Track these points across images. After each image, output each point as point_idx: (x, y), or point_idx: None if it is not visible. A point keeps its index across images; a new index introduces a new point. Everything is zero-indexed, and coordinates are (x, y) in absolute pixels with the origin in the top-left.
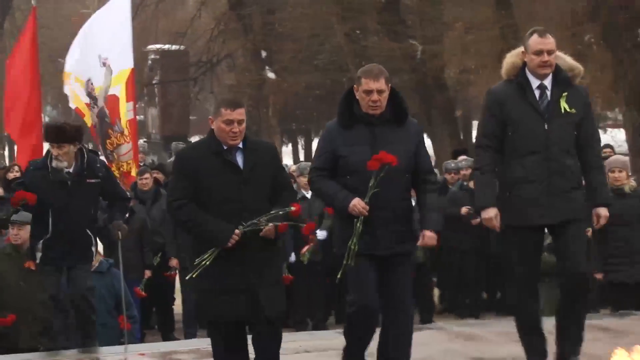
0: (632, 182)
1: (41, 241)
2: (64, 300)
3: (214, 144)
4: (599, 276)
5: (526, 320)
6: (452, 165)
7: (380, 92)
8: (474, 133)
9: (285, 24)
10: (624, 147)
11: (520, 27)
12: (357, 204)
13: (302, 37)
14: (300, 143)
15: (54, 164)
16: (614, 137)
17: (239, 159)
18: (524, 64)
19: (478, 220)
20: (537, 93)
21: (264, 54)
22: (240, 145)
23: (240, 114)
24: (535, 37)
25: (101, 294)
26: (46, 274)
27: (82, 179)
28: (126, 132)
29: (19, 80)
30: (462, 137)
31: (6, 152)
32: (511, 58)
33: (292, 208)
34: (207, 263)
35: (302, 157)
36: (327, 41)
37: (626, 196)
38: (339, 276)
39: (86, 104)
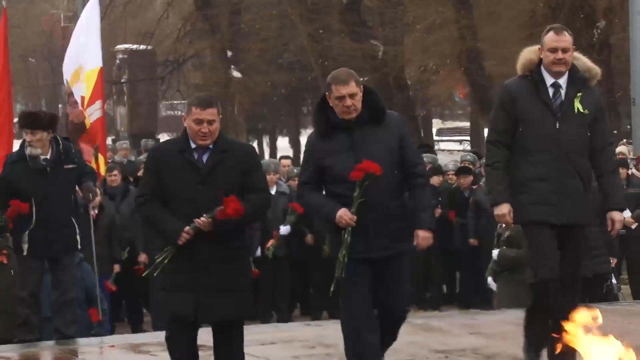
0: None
1: (26, 233)
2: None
3: (183, 142)
4: None
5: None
6: None
7: (352, 95)
8: (434, 131)
9: (251, 24)
10: None
11: (480, 28)
12: (344, 214)
13: (267, 37)
14: (266, 141)
15: (28, 150)
16: None
17: (204, 159)
18: (540, 60)
19: (439, 212)
20: (550, 91)
21: (229, 53)
22: (211, 146)
23: (210, 113)
24: (551, 34)
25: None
26: (27, 272)
27: (60, 165)
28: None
29: None
30: (422, 135)
31: None
32: (528, 54)
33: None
34: (166, 261)
35: (267, 155)
36: (291, 41)
37: None
38: (332, 288)
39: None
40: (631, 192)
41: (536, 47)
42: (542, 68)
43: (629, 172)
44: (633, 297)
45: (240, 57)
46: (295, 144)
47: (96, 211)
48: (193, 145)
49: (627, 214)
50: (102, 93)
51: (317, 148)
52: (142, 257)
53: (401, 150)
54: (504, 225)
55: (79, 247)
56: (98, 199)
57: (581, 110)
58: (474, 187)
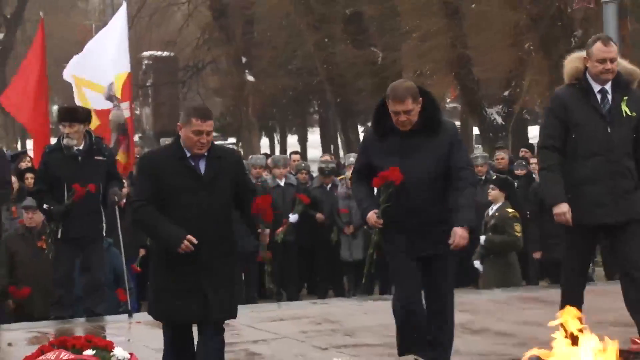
0: None
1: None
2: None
3: (179, 150)
4: (537, 255)
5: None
6: None
7: (407, 112)
8: None
9: (263, 33)
10: None
11: (469, 37)
12: (371, 217)
13: (277, 45)
14: (276, 137)
15: (65, 141)
16: None
17: (202, 166)
18: (586, 68)
19: None
20: (599, 97)
21: (244, 59)
22: (205, 153)
23: (209, 125)
24: (599, 45)
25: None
26: (61, 255)
27: (91, 156)
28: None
29: (32, 82)
30: None
31: (19, 144)
32: (573, 63)
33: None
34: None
35: (277, 151)
36: (299, 48)
37: None
38: (363, 280)
39: (98, 109)
40: None
41: (582, 55)
42: (588, 75)
43: None
44: (606, 278)
45: (253, 62)
46: (302, 140)
47: (124, 201)
48: (188, 154)
49: None
50: (130, 95)
51: (370, 145)
52: None
53: (449, 156)
54: (489, 213)
55: (104, 234)
56: (125, 190)
57: (629, 113)
58: None
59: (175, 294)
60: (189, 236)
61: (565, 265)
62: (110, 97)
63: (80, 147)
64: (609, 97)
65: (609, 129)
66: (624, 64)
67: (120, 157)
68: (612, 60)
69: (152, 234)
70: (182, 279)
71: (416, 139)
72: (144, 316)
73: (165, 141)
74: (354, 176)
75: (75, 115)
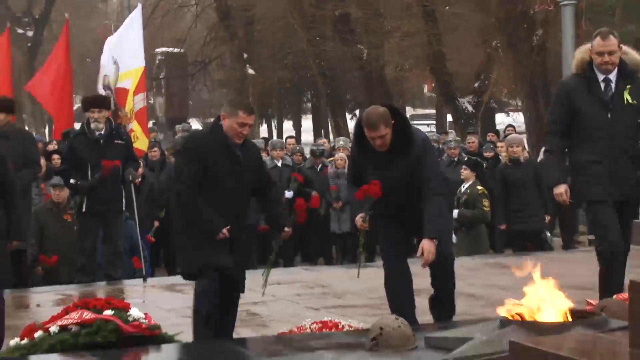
0: (526, 154)
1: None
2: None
3: (224, 137)
4: (503, 227)
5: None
6: None
7: (381, 137)
8: (408, 116)
9: (262, 32)
10: (523, 127)
11: (443, 36)
12: (358, 219)
13: (275, 43)
14: (274, 124)
15: (93, 125)
16: (515, 120)
17: (239, 153)
18: (591, 59)
19: None
20: (602, 85)
21: (245, 55)
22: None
23: (252, 119)
24: (598, 39)
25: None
26: (86, 226)
27: (111, 140)
28: (129, 115)
29: (58, 75)
30: None
31: (46, 130)
32: (580, 54)
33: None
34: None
35: (275, 136)
36: (294, 46)
37: (522, 165)
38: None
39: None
40: None
41: (588, 47)
42: (594, 66)
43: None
44: (563, 248)
45: (254, 58)
46: (297, 126)
47: (139, 180)
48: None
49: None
50: (145, 87)
51: (355, 157)
52: None
53: (418, 168)
54: (461, 190)
55: (124, 209)
56: (140, 170)
57: (630, 101)
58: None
59: (213, 246)
60: (225, 230)
61: (597, 237)
62: (104, 87)
63: (102, 132)
64: (612, 85)
65: (609, 115)
66: (633, 55)
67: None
68: (611, 53)
69: (196, 218)
70: (217, 243)
71: (392, 155)
72: (157, 281)
73: (178, 127)
74: (348, 179)
75: (104, 102)
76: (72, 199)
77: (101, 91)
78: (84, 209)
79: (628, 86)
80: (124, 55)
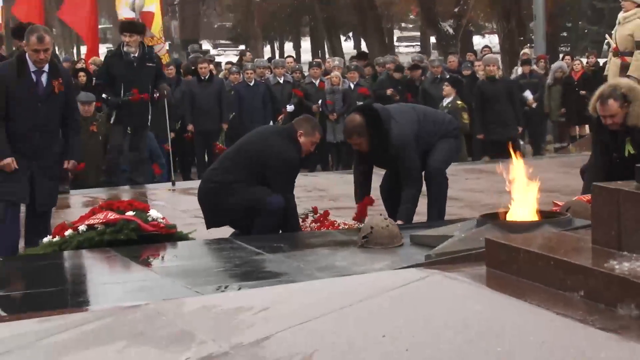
0: (500, 72)
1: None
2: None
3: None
4: (480, 136)
5: None
6: (381, 60)
7: (357, 144)
8: (395, 38)
9: None
10: (497, 48)
11: None
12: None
13: None
14: (276, 45)
15: (125, 48)
16: (490, 41)
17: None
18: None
19: (397, 97)
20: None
21: None
22: None
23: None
24: (598, 104)
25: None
26: (116, 131)
27: (143, 62)
28: (157, 36)
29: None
30: (387, 41)
31: (75, 50)
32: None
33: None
34: None
35: (277, 55)
36: None
37: (496, 82)
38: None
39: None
40: (532, 81)
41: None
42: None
43: (531, 67)
44: (533, 154)
45: None
46: (297, 47)
47: (157, 95)
48: None
49: (530, 96)
50: (163, 11)
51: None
52: (190, 127)
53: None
54: (443, 104)
55: (149, 123)
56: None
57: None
58: (422, 78)
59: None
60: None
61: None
62: (133, 8)
63: (136, 55)
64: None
65: None
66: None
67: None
68: (612, 116)
69: (295, 222)
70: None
71: (373, 153)
72: (176, 185)
73: (194, 46)
74: (355, 159)
75: (135, 27)
76: (103, 111)
77: (126, 14)
78: (112, 121)
79: (628, 138)
80: None
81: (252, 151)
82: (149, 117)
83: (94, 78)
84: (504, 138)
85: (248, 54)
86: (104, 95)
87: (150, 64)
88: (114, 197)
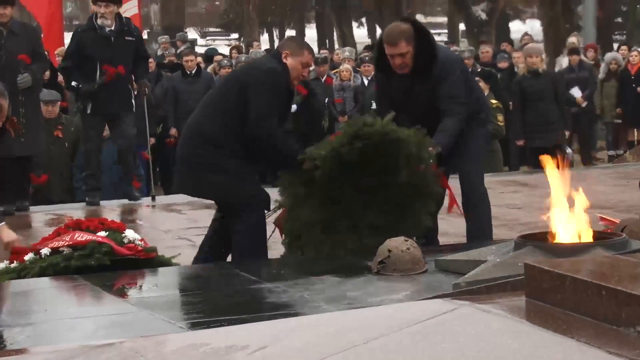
0: (544, 65)
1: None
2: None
3: (288, 77)
4: (520, 143)
5: None
6: None
7: (401, 55)
8: None
9: None
10: (540, 36)
11: None
12: None
13: None
14: (275, 33)
15: (100, 21)
16: (532, 28)
17: None
18: None
19: None
20: None
21: None
22: None
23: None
24: None
25: (115, 159)
26: (90, 128)
27: (122, 36)
28: None
29: None
30: None
31: None
32: None
33: None
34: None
35: (276, 43)
36: None
37: (540, 76)
38: None
39: None
40: (581, 75)
41: None
42: None
43: (580, 58)
44: (582, 163)
45: None
46: (300, 36)
47: (135, 91)
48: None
49: (578, 93)
50: None
51: (379, 79)
52: (173, 131)
53: (438, 89)
54: None
55: (134, 109)
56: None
57: None
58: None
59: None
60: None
61: None
62: None
63: (112, 28)
64: None
65: None
66: None
67: None
68: None
69: (285, 161)
70: None
71: (412, 79)
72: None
73: (185, 35)
74: (376, 98)
75: None
76: (75, 103)
77: None
78: (88, 111)
79: None
80: None
81: (233, 83)
82: (132, 102)
83: (61, 65)
84: (548, 144)
85: (255, 44)
86: (73, 83)
87: (130, 38)
88: (83, 214)
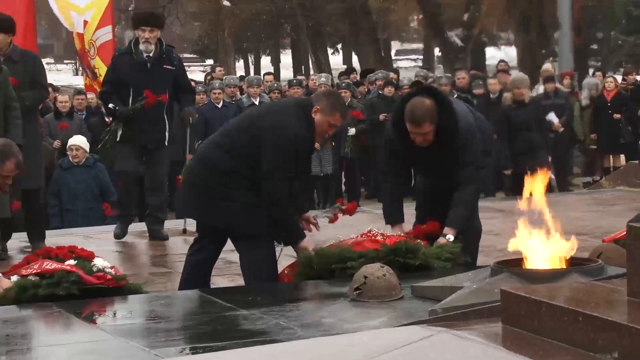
0: (530, 94)
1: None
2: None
3: (313, 135)
4: (508, 172)
5: None
6: (373, 77)
7: (424, 134)
8: (393, 52)
9: None
10: (514, 62)
11: None
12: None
13: None
14: (251, 59)
15: (143, 46)
16: (507, 54)
17: None
18: None
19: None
20: None
21: None
22: None
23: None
24: None
25: (88, 184)
26: (124, 154)
27: (160, 63)
28: (86, 47)
29: (19, 5)
30: (383, 55)
31: None
32: None
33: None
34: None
35: (252, 72)
36: None
37: (526, 106)
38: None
39: (77, 33)
40: (557, 102)
41: None
42: None
43: (556, 85)
44: (559, 189)
45: None
46: (275, 62)
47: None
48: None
49: (555, 119)
50: (112, 19)
51: (394, 143)
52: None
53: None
54: None
55: (166, 143)
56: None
57: None
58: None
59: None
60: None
61: None
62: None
63: (151, 54)
64: None
65: None
66: None
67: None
68: None
69: (284, 222)
70: None
71: (433, 149)
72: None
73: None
74: (382, 168)
75: (157, 20)
76: (107, 128)
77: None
78: (118, 138)
79: None
80: None
81: (255, 125)
82: (166, 134)
83: (100, 91)
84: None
85: (218, 69)
86: (110, 105)
87: (169, 67)
88: (54, 241)
